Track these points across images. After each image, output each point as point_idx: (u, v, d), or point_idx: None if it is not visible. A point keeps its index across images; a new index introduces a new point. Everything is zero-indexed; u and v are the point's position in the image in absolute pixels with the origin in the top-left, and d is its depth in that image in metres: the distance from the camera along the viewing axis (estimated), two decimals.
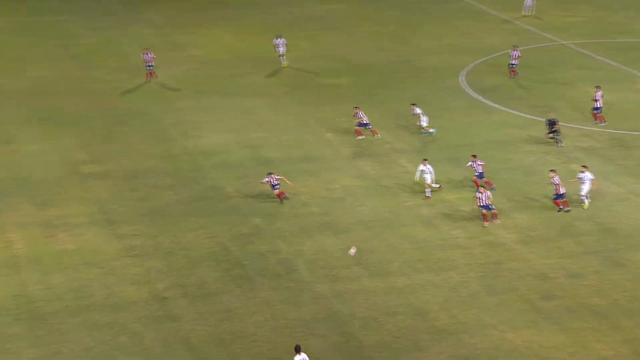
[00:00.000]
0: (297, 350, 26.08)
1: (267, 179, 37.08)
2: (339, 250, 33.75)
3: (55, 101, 46.16)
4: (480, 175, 38.07)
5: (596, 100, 45.28)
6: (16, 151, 40.55)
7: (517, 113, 47.13)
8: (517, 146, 42.98)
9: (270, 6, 67.22)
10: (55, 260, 32.37)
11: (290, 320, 29.48)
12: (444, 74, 53.46)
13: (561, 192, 36.24)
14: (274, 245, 34.21)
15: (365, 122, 43.62)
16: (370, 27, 63.73)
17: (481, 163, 38.17)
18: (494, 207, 35.53)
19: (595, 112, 45.41)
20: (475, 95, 49.80)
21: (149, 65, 49.07)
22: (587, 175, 36.62)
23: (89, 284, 31.00)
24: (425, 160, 38.13)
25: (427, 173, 37.68)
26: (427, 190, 37.76)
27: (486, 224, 35.35)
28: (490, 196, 35.50)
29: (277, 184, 37.13)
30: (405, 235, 34.89)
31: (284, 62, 52.98)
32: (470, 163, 38.35)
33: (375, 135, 43.72)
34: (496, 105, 48.30)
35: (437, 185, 38.12)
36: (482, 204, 35.33)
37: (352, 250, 31.89)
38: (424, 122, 44.20)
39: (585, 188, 36.60)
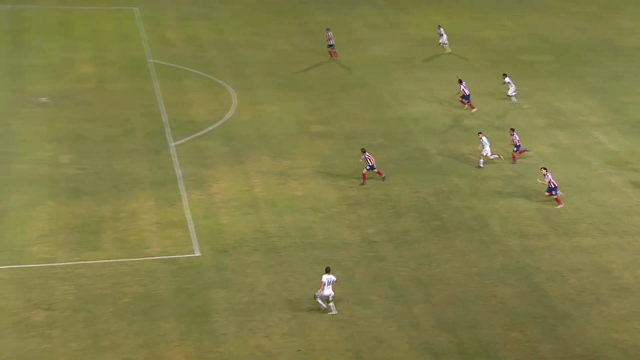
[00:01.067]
0: (327, 271, 26.63)
1: (363, 157, 34.97)
2: (529, 210, 32.91)
3: (292, 70, 47.75)
4: None
5: None
6: (261, 111, 42.44)
7: None
8: None
9: None
10: (287, 203, 33.82)
11: (481, 269, 29.29)
12: None
13: None
14: (470, 202, 33.93)
15: (467, 93, 42.05)
16: (572, 8, 60.72)
17: None
18: None
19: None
20: None
21: (330, 45, 49.03)
22: None
23: (313, 226, 32.20)
24: (480, 133, 37.01)
25: (485, 144, 36.25)
26: (481, 160, 36.42)
27: None
28: None
29: (372, 165, 34.65)
30: (594, 200, 33.49)
31: (448, 49, 51.28)
32: None
33: (473, 109, 41.95)
34: None
35: (496, 156, 36.59)
36: None
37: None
38: (511, 91, 43.14)
39: None
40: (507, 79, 44.04)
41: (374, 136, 40.19)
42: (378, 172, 35.33)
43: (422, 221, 32.62)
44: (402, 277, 28.99)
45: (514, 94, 43.73)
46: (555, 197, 33.52)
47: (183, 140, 38.61)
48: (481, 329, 26.13)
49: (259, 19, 56.15)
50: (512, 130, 37.82)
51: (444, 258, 30.07)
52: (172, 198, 33.69)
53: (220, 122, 40.91)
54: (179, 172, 35.81)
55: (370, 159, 35.22)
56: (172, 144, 38.11)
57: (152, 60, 47.74)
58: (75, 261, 29.12)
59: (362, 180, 35.13)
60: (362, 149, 35.82)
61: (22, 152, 36.35)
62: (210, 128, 40.13)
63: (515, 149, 37.28)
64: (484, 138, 36.81)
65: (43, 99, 41.49)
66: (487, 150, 36.60)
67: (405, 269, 29.47)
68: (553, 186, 33.39)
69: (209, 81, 45.65)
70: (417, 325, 26.40)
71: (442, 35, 51.33)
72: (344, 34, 54.40)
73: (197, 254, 30.05)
